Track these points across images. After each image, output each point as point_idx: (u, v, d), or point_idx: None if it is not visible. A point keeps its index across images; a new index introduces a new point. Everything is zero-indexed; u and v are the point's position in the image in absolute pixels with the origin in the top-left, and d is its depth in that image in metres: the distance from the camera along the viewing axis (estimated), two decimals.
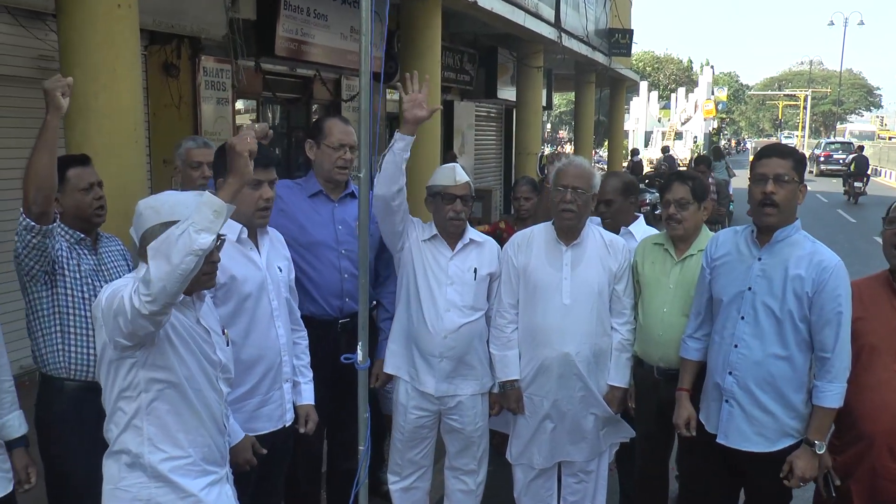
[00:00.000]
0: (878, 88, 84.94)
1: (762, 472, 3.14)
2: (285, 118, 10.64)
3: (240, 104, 9.29)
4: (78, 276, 3.10)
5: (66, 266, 3.08)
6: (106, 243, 3.33)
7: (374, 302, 3.89)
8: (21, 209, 2.91)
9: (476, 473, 3.86)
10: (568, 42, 12.92)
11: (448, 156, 12.86)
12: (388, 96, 11.89)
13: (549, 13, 12.21)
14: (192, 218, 2.15)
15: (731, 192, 13.30)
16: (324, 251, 3.62)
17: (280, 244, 3.29)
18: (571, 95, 24.86)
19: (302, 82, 10.29)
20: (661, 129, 38.08)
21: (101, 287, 3.09)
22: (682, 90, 45.40)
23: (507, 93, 14.65)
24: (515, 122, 13.90)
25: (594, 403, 3.66)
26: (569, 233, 3.63)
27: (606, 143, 23.06)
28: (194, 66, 7.89)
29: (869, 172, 25.82)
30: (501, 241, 3.97)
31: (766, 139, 66.89)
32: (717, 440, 3.17)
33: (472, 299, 3.64)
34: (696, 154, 28.86)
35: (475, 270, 3.65)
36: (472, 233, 3.73)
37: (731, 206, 10.66)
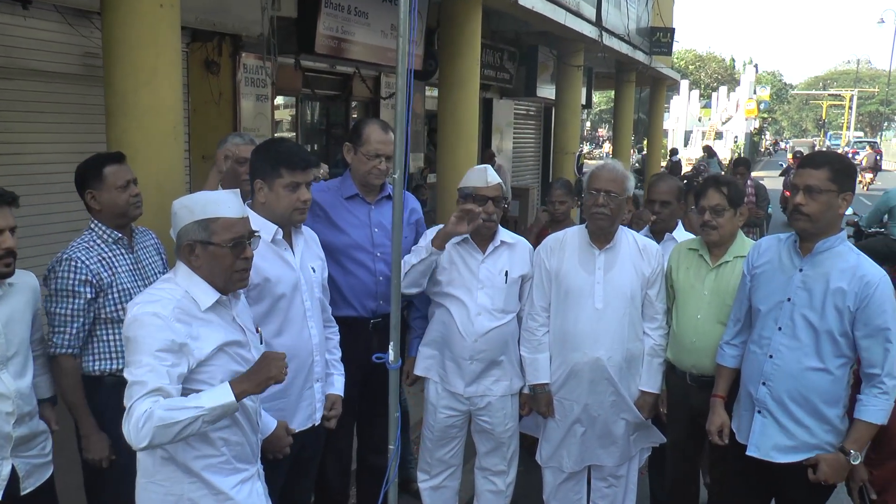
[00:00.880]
0: None
1: (794, 483, 3.10)
2: (324, 115, 10.71)
3: (279, 100, 9.38)
4: (115, 288, 3.16)
5: (106, 290, 3.14)
6: (141, 238, 3.39)
7: (407, 301, 3.91)
8: None
9: (505, 474, 3.87)
10: (609, 41, 12.81)
11: (486, 154, 12.83)
12: (427, 93, 11.92)
13: (590, 11, 12.12)
14: (207, 412, 2.27)
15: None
16: (359, 254, 3.64)
17: (314, 244, 3.31)
18: (611, 94, 24.67)
19: (341, 79, 10.35)
20: (701, 128, 37.60)
21: (138, 286, 3.17)
22: (723, 89, 44.86)
23: (547, 91, 14.58)
24: (554, 120, 13.83)
25: (625, 408, 3.65)
26: (602, 236, 3.61)
27: (646, 142, 22.85)
28: (235, 63, 7.98)
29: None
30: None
31: (804, 139, 65.93)
32: (748, 452, 3.14)
33: (502, 303, 3.65)
34: (736, 154, 28.48)
35: (506, 273, 3.65)
36: (503, 234, 3.73)
37: (770, 209, 10.48)
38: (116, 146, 3.94)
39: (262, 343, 2.71)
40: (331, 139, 10.42)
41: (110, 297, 3.13)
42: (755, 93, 43.71)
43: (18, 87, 5.98)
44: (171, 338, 2.32)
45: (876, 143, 42.78)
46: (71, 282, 3.06)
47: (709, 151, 23.50)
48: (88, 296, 3.07)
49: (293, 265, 3.11)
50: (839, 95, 71.19)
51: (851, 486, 3.06)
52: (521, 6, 8.81)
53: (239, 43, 7.94)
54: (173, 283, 2.47)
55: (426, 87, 11.73)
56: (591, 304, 3.57)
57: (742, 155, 29.33)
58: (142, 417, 2.18)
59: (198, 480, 2.47)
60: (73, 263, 3.07)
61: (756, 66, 49.32)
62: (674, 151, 25.93)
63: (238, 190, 2.62)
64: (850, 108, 66.65)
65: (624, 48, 14.11)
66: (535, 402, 3.74)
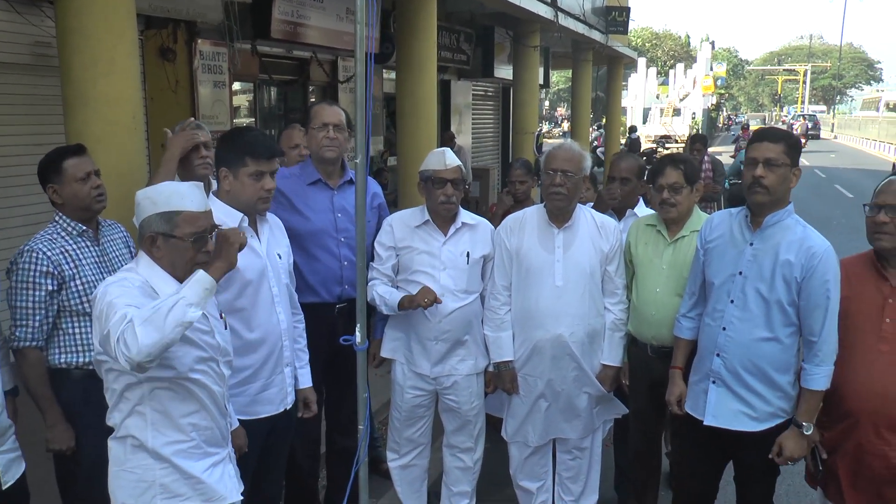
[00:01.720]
0: (879, 62, 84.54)
1: (750, 450, 3.23)
2: (282, 100, 10.65)
3: (236, 87, 9.31)
4: (78, 280, 3.15)
5: (72, 280, 3.14)
6: (107, 231, 3.37)
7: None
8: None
9: (473, 451, 3.95)
10: (564, 21, 12.89)
11: (445, 136, 12.86)
12: (385, 76, 11.90)
13: None
14: (184, 293, 2.28)
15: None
16: (323, 239, 3.67)
17: (279, 231, 3.34)
18: (569, 73, 24.78)
19: (298, 64, 10.29)
20: (659, 105, 37.91)
21: (104, 279, 3.17)
22: (680, 66, 45.16)
23: (504, 72, 14.64)
24: (512, 101, 13.90)
25: (587, 382, 3.75)
26: (560, 215, 3.69)
27: (604, 120, 23.03)
28: (191, 49, 7.90)
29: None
30: None
31: (757, 114, 67.90)
32: (706, 422, 3.24)
33: (465, 283, 3.71)
34: (694, 131, 28.83)
35: (468, 254, 3.71)
36: (464, 216, 3.78)
37: (727, 184, 10.65)
38: (76, 137, 3.92)
39: (226, 329, 2.74)
40: (289, 124, 10.35)
41: (73, 289, 3.13)
42: (712, 69, 44.14)
43: None
44: (141, 304, 2.32)
45: (814, 115, 57.25)
46: (32, 273, 3.05)
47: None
48: (50, 287, 3.07)
49: (259, 252, 3.14)
50: (794, 70, 72.28)
51: (805, 453, 3.18)
52: None
53: (194, 29, 7.86)
54: (134, 272, 2.49)
55: (384, 70, 11.70)
56: (551, 281, 3.65)
57: (700, 131, 29.70)
58: (125, 330, 2.18)
59: (169, 466, 2.50)
60: (34, 255, 3.07)
61: (712, 42, 49.77)
62: (632, 129, 26.21)
63: (202, 183, 2.64)
64: (805, 82, 67.67)
65: (580, 28, 14.21)
66: (499, 379, 3.82)
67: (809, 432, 3.07)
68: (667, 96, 40.97)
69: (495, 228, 3.88)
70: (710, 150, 10.62)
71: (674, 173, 3.66)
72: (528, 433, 3.86)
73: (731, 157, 19.94)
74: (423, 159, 3.80)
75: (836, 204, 18.75)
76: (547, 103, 61.78)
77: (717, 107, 53.05)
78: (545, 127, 49.26)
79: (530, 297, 3.69)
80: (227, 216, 3.07)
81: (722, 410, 3.22)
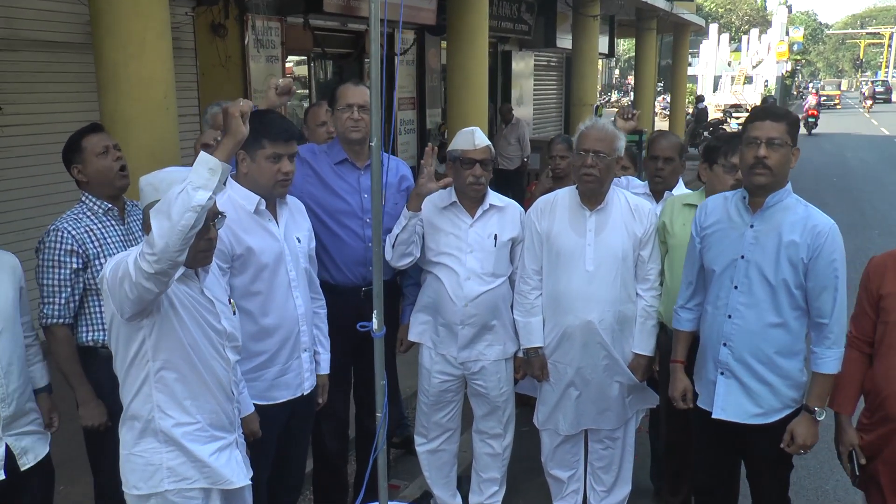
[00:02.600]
0: None
1: (762, 442, 3.09)
2: (337, 73, 10.63)
3: (291, 61, 9.32)
4: (102, 259, 3.17)
5: (92, 261, 3.16)
6: (134, 211, 3.40)
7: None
8: None
9: (502, 437, 3.88)
10: None
11: (503, 108, 12.69)
12: (443, 46, 11.77)
13: None
14: (189, 177, 2.22)
15: None
16: (349, 220, 3.62)
17: (300, 215, 3.30)
18: None
19: (353, 37, 10.25)
20: (730, 73, 36.71)
21: None
22: (754, 32, 43.60)
23: (567, 41, 14.33)
24: (571, 72, 13.61)
25: (618, 371, 3.63)
26: (592, 197, 3.56)
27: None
28: (242, 25, 7.93)
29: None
30: None
31: (833, 80, 66.01)
32: (715, 415, 3.12)
33: (492, 266, 3.62)
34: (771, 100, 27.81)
35: (495, 237, 3.62)
36: (492, 197, 3.68)
37: None
38: (109, 118, 3.97)
39: (235, 314, 2.72)
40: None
41: (98, 268, 3.16)
42: (787, 34, 42.54)
43: (23, 58, 6.01)
44: None
45: (886, 80, 59.74)
46: (57, 252, 3.10)
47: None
48: (75, 265, 3.11)
49: (277, 236, 3.10)
50: (878, 34, 69.17)
51: (841, 451, 3.03)
52: None
53: (245, 5, 7.88)
54: None
55: (441, 41, 11.58)
56: (582, 266, 3.53)
57: (776, 100, 28.67)
58: (121, 258, 2.23)
59: (175, 449, 2.52)
60: (59, 234, 3.12)
61: (789, 6, 47.93)
62: (700, 98, 25.38)
63: (201, 152, 2.61)
64: (890, 46, 64.70)
65: None
66: (528, 365, 3.73)
67: (822, 418, 2.94)
68: (739, 63, 39.62)
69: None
70: None
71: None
72: (558, 421, 3.77)
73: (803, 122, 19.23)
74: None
75: None
76: (617, 72, 60.61)
77: (793, 74, 51.15)
78: (613, 96, 48.34)
79: (560, 282, 3.58)
80: (245, 199, 3.05)
81: (731, 403, 3.09)
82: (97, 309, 3.20)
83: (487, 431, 3.88)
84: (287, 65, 8.98)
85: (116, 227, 3.28)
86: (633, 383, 3.67)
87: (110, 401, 3.18)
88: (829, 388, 2.97)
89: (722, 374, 3.10)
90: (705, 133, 19.63)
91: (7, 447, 2.84)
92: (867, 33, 72.81)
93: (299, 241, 3.20)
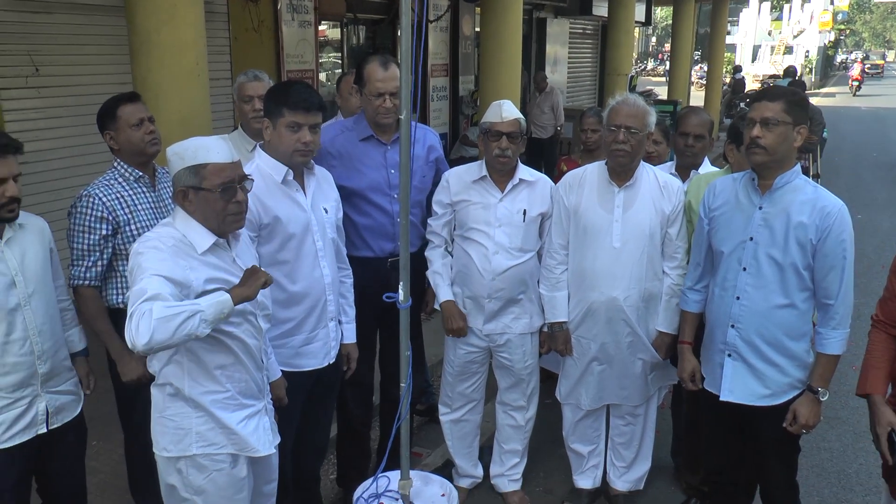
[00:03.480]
0: None
1: (769, 424, 3.09)
2: (370, 39, 10.58)
3: (323, 26, 9.28)
4: (134, 225, 3.23)
5: (127, 224, 3.22)
6: (164, 178, 3.44)
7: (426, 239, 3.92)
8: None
9: (525, 409, 3.91)
10: None
11: (538, 76, 12.56)
12: (478, 13, 11.65)
13: None
14: (204, 307, 2.30)
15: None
16: (376, 195, 3.61)
17: (328, 185, 3.31)
18: None
19: (386, 2, 10.18)
20: (770, 42, 35.89)
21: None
22: (797, 0, 42.60)
23: (603, 9, 14.10)
24: (606, 40, 13.41)
25: (642, 348, 3.63)
26: (622, 173, 3.53)
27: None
28: None
29: None
30: None
31: (879, 50, 65.34)
32: (723, 398, 3.12)
33: (520, 241, 3.62)
34: (807, 70, 27.22)
35: (524, 212, 3.61)
36: (522, 172, 3.66)
37: (826, 133, 10.00)
38: (141, 85, 3.99)
39: None
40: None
41: (128, 234, 3.22)
42: (832, 3, 41.46)
43: (58, 20, 6.05)
44: (171, 268, 2.39)
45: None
46: (88, 218, 3.16)
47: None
48: (104, 232, 3.17)
49: (304, 206, 3.12)
50: None
51: (879, 433, 2.90)
52: None
53: None
54: (172, 227, 2.54)
55: (476, 7, 11.45)
56: (608, 242, 3.52)
57: (813, 70, 28.06)
58: (142, 315, 2.22)
59: (205, 414, 2.57)
60: (90, 200, 3.17)
61: None
62: (737, 69, 24.89)
63: (227, 136, 2.63)
64: None
65: None
66: (553, 340, 3.74)
67: (825, 398, 2.94)
68: (779, 33, 38.73)
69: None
70: (824, 89, 9.97)
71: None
72: (580, 396, 3.78)
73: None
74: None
75: None
76: (654, 40, 59.60)
77: (836, 43, 49.93)
78: (650, 64, 47.57)
79: (586, 258, 3.57)
80: (273, 170, 3.07)
81: (738, 385, 3.10)
82: (126, 272, 3.25)
83: (511, 403, 3.91)
84: (321, 28, 8.95)
85: (147, 194, 3.33)
86: (657, 360, 3.66)
87: (141, 363, 3.25)
88: (832, 369, 2.99)
89: (729, 355, 3.11)
90: (741, 104, 19.27)
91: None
92: None
93: (326, 212, 3.22)
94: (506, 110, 3.54)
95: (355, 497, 3.11)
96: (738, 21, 38.08)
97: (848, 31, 67.13)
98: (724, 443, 3.32)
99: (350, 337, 3.40)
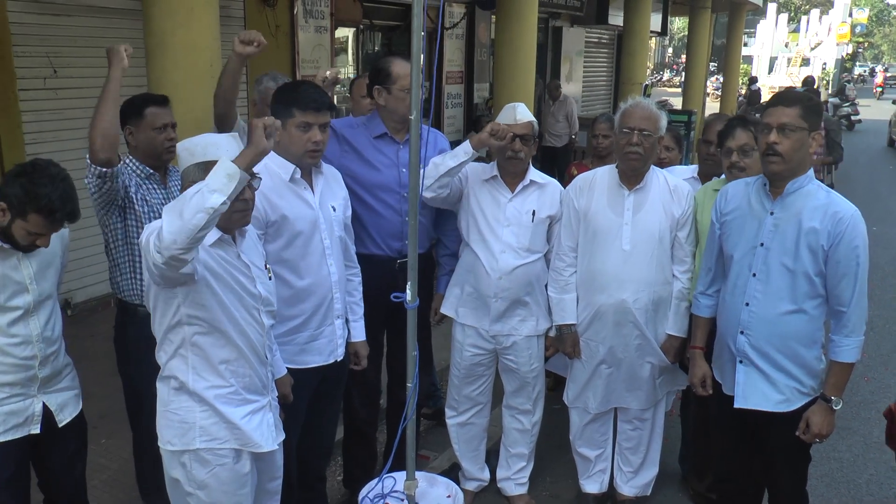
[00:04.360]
0: None
1: (781, 432, 3.05)
2: (386, 45, 10.63)
3: (339, 32, 9.33)
4: (146, 208, 3.26)
5: (135, 200, 3.24)
6: (175, 175, 3.46)
7: (436, 239, 3.94)
8: (87, 157, 3.06)
9: (531, 413, 3.91)
10: None
11: (551, 84, 12.57)
12: (493, 21, 11.68)
13: None
14: (207, 179, 2.27)
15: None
16: (386, 194, 3.63)
17: (336, 183, 3.33)
18: None
19: (403, 10, 10.22)
20: (787, 54, 35.73)
21: None
22: (815, 12, 42.41)
23: (619, 18, 14.09)
24: (622, 50, 13.41)
25: (650, 352, 3.62)
26: (632, 176, 3.53)
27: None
28: None
29: None
30: None
31: None
32: (736, 405, 3.08)
33: (528, 241, 3.63)
34: (824, 82, 27.09)
35: (533, 213, 3.62)
36: (533, 174, 3.67)
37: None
38: (156, 85, 4.02)
39: (270, 279, 2.77)
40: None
41: (137, 211, 3.23)
42: (851, 15, 41.28)
43: (77, 23, 6.12)
44: None
45: None
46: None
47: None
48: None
49: (312, 204, 3.14)
50: None
51: (833, 430, 2.96)
52: None
53: None
54: None
55: (492, 16, 11.49)
56: (618, 245, 3.52)
57: (830, 84, 27.93)
58: (153, 228, 2.25)
59: (209, 409, 2.58)
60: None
61: None
62: (753, 80, 24.75)
63: (237, 133, 2.65)
64: None
65: None
66: (561, 342, 3.73)
67: (838, 407, 2.89)
68: (796, 45, 38.58)
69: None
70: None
71: (744, 135, 3.46)
72: (588, 399, 3.78)
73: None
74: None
75: None
76: (671, 50, 59.50)
77: (854, 56, 49.71)
78: (666, 74, 47.46)
79: (596, 261, 3.57)
80: (280, 168, 3.09)
81: (751, 391, 3.05)
82: (139, 269, 3.28)
83: (517, 407, 3.90)
84: (336, 34, 9.00)
85: (158, 191, 3.35)
86: (665, 364, 3.65)
87: (147, 361, 3.26)
88: (846, 378, 2.93)
89: (741, 362, 3.07)
90: (757, 115, 19.18)
91: (44, 405, 2.94)
92: None
93: (334, 210, 3.23)
94: (520, 112, 3.56)
95: (360, 497, 3.11)
96: (755, 32, 37.95)
97: (867, 44, 66.77)
98: (733, 450, 3.28)
99: (359, 335, 3.41)
